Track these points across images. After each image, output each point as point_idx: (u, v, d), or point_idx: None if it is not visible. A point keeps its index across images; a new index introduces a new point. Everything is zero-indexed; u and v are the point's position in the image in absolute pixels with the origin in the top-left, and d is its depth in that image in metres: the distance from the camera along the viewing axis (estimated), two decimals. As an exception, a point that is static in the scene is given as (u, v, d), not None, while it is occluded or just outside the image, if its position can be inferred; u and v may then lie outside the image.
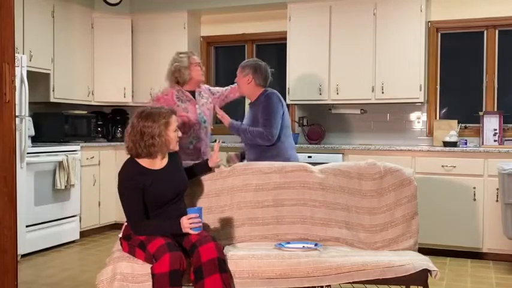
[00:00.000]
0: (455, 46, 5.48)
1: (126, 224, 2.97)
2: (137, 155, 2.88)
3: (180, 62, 3.69)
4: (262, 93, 3.61)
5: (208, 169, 3.29)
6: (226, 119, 3.59)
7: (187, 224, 2.76)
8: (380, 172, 3.29)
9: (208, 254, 2.70)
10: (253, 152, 3.59)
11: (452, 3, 5.36)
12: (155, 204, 2.87)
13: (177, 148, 2.98)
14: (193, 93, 3.75)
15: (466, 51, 5.45)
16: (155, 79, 6.13)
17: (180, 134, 2.99)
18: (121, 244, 2.96)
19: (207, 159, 3.30)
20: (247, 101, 5.73)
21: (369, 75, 5.32)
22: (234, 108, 6.33)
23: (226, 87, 3.95)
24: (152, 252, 2.69)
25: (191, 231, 2.77)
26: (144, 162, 2.90)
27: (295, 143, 4.39)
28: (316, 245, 3.02)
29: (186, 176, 3.08)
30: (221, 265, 2.70)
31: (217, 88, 3.97)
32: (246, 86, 3.63)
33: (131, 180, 2.84)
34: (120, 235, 2.97)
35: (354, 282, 2.75)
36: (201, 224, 2.80)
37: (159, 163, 2.93)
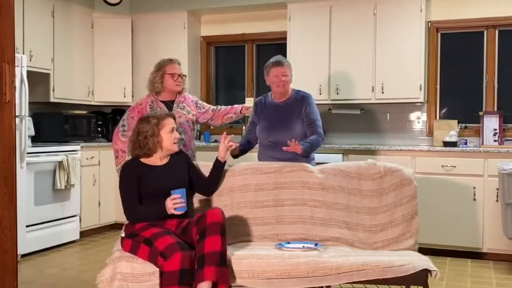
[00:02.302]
0: (455, 46, 5.48)
1: (127, 223, 3.02)
2: (137, 156, 3.07)
3: (154, 72, 3.65)
4: (296, 93, 3.64)
5: (221, 165, 3.26)
6: (299, 149, 3.31)
7: (171, 204, 2.87)
8: (380, 172, 3.30)
9: (214, 217, 2.78)
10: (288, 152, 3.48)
11: (452, 3, 5.36)
12: (149, 196, 2.97)
13: (174, 149, 3.09)
14: (170, 103, 3.67)
15: (466, 51, 5.45)
16: (155, 79, 6.14)
17: (177, 135, 3.09)
18: (122, 243, 2.97)
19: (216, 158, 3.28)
20: (248, 102, 5.73)
21: (369, 75, 5.32)
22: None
23: (213, 107, 3.84)
24: (161, 250, 2.70)
25: (175, 212, 2.88)
26: (144, 159, 3.07)
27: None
28: (316, 245, 3.02)
29: (187, 178, 3.12)
30: (223, 229, 2.77)
31: (205, 104, 3.85)
32: (290, 84, 3.61)
33: (128, 170, 3.03)
34: (123, 234, 2.99)
35: (354, 282, 2.75)
36: (184, 204, 2.89)
37: (158, 161, 3.09)
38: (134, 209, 2.95)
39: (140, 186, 2.97)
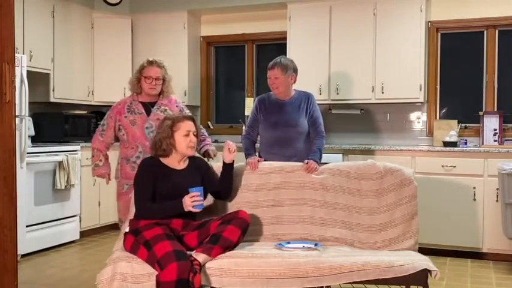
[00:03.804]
0: (455, 46, 5.48)
1: (132, 218, 3.03)
2: (155, 155, 3.06)
3: (135, 73, 3.62)
4: (299, 92, 3.75)
5: (228, 167, 3.18)
6: (315, 168, 3.37)
7: (190, 202, 2.87)
8: (380, 172, 3.30)
9: (245, 216, 2.92)
10: (292, 149, 3.63)
11: (452, 3, 5.36)
12: (163, 198, 2.96)
13: (189, 153, 3.06)
14: (151, 104, 3.60)
15: (466, 51, 5.45)
16: (155, 79, 6.14)
17: (194, 139, 3.04)
18: (124, 239, 2.97)
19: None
20: (248, 102, 5.74)
21: (369, 75, 5.32)
22: (234, 107, 6.34)
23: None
24: (158, 257, 2.70)
25: (193, 209, 2.89)
26: (163, 159, 3.06)
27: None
28: (316, 245, 3.02)
29: (200, 182, 3.07)
30: (246, 228, 2.92)
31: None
32: (288, 85, 3.66)
33: (145, 168, 3.01)
34: (127, 229, 2.99)
35: (354, 282, 2.75)
36: (202, 202, 2.91)
37: (177, 164, 3.07)
38: (146, 205, 2.94)
39: (156, 186, 2.96)
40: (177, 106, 3.68)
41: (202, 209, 2.95)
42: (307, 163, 3.39)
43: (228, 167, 3.19)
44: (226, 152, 3.16)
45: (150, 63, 3.60)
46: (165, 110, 3.60)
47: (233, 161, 3.19)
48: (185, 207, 2.89)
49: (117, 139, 3.68)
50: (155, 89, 3.57)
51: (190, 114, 3.60)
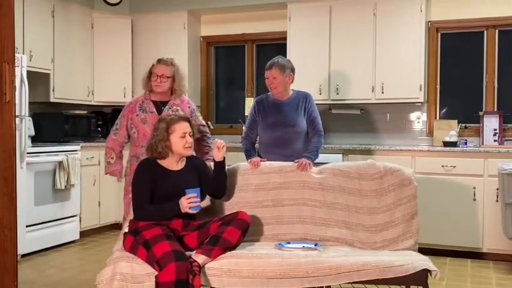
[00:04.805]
0: (455, 46, 5.48)
1: (131, 218, 3.02)
2: (151, 157, 3.04)
3: (147, 71, 3.65)
4: (297, 92, 3.76)
5: (220, 165, 3.16)
6: (308, 167, 3.35)
7: (186, 203, 2.87)
8: (380, 172, 3.30)
9: (245, 217, 2.92)
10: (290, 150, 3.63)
11: (452, 3, 5.36)
12: (161, 199, 2.96)
13: (186, 154, 3.05)
14: (162, 103, 3.60)
15: (466, 51, 5.45)
16: (155, 79, 6.13)
17: (190, 140, 3.03)
18: (124, 239, 2.97)
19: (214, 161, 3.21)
20: (248, 102, 5.74)
21: (369, 75, 5.32)
22: (234, 107, 6.34)
23: (202, 130, 3.69)
24: (157, 257, 2.70)
25: (190, 211, 2.89)
26: (160, 160, 3.05)
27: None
28: (316, 245, 3.02)
29: (198, 182, 3.07)
30: (246, 229, 2.91)
31: (200, 120, 3.75)
32: (286, 85, 3.68)
33: (142, 170, 3.00)
34: (126, 230, 2.99)
35: (354, 282, 2.75)
36: (199, 204, 2.91)
37: (174, 165, 3.06)
38: (144, 207, 2.93)
39: (154, 188, 2.95)
40: (189, 107, 3.69)
41: (200, 210, 2.94)
42: (297, 161, 3.37)
43: (219, 165, 3.15)
44: (215, 150, 3.14)
45: (159, 61, 3.64)
46: (177, 110, 3.60)
47: (224, 158, 3.16)
48: (182, 209, 2.89)
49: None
50: (160, 87, 3.58)
51: (186, 116, 3.52)
